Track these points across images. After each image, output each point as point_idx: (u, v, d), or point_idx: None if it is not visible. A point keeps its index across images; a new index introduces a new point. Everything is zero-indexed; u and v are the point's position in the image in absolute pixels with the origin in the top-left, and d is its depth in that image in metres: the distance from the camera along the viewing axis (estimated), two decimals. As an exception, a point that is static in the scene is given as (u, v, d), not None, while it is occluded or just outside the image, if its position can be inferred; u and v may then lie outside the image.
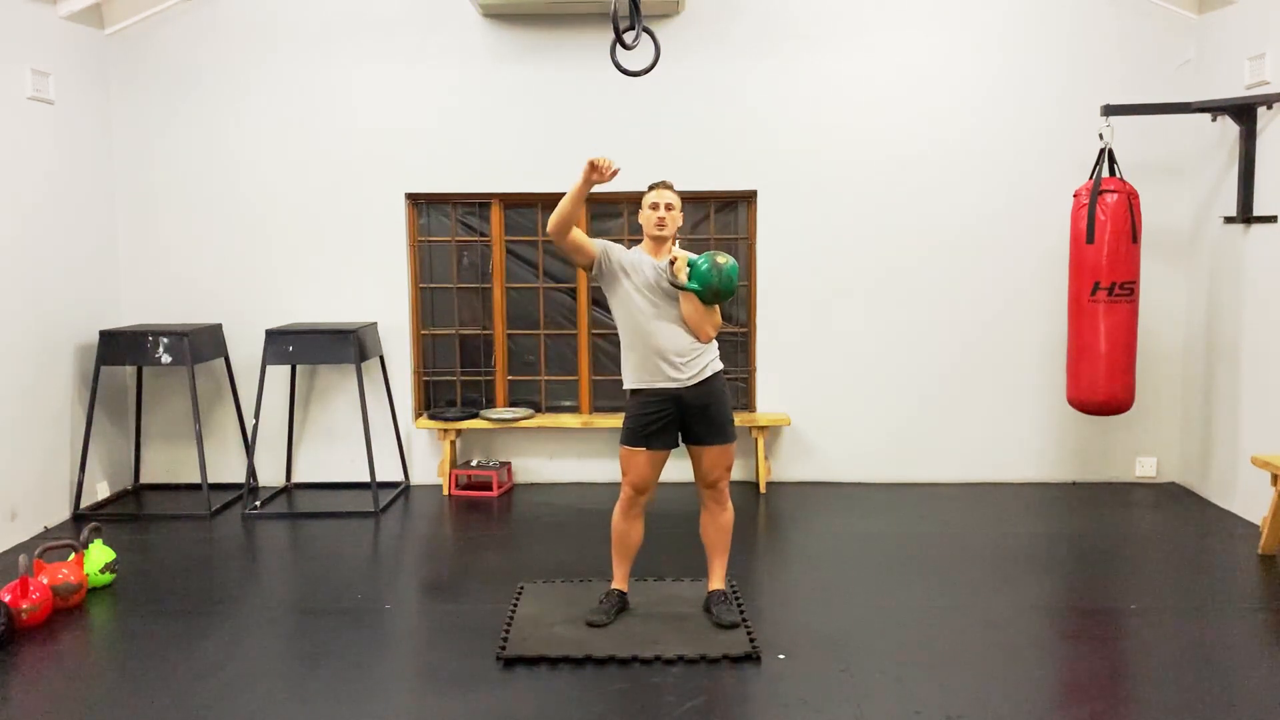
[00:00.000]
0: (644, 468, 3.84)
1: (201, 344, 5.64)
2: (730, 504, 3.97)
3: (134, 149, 5.93)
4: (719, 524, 3.96)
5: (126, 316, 5.99)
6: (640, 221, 3.87)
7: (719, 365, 3.87)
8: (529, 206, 6.09)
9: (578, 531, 5.17)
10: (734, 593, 4.17)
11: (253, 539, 5.19)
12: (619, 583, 4.01)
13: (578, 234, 3.77)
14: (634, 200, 6.00)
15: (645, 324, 3.76)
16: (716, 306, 3.79)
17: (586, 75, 5.78)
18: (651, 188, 3.86)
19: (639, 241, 3.92)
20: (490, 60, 5.86)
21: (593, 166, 3.60)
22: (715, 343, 3.88)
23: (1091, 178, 5.23)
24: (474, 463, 6.03)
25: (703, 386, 3.79)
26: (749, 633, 3.77)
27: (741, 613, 3.94)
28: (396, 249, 6.01)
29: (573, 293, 6.13)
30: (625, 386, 3.89)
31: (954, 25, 5.78)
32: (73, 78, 5.55)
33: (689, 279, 3.67)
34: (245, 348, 5.97)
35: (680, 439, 3.88)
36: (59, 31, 5.45)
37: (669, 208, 3.80)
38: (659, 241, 3.83)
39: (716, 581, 3.99)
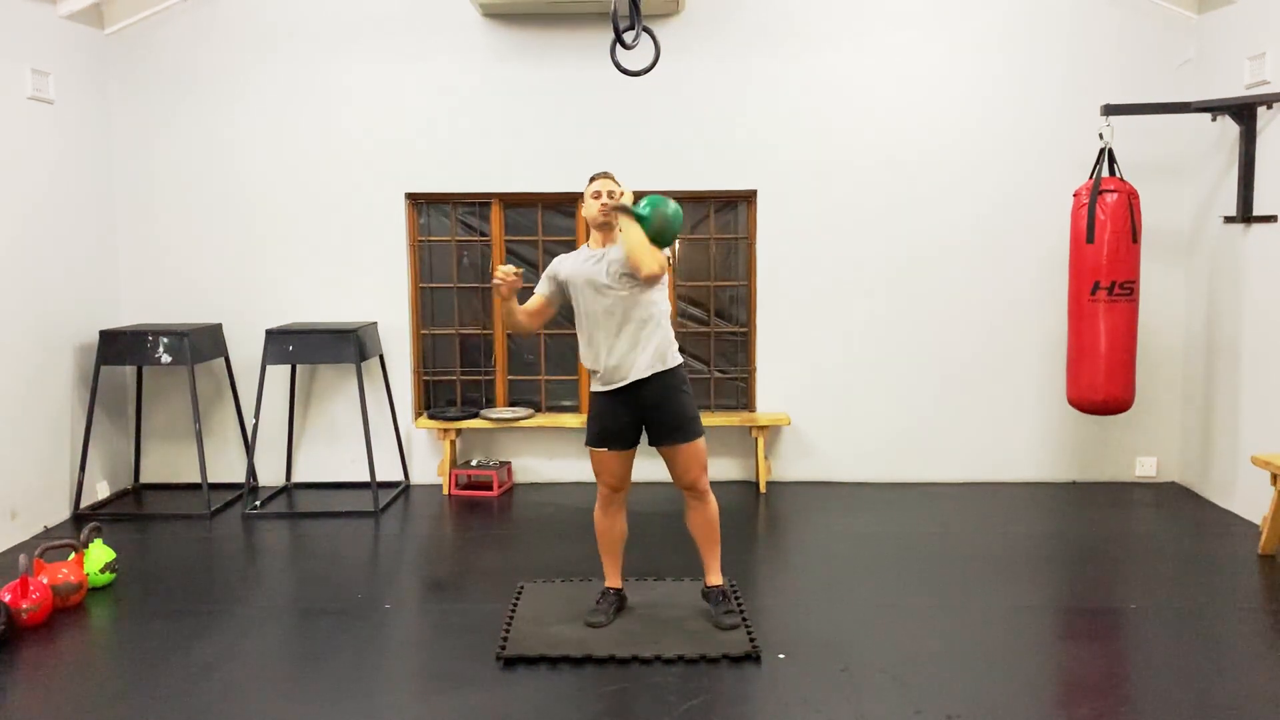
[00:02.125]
0: (612, 465, 3.82)
1: (201, 344, 5.64)
2: (712, 497, 3.87)
3: (134, 149, 5.93)
4: (704, 518, 3.89)
5: (126, 316, 5.99)
6: (585, 216, 3.82)
7: (678, 359, 3.80)
8: (529, 206, 6.09)
9: (578, 531, 5.17)
10: (734, 592, 4.17)
11: (253, 539, 5.19)
12: (612, 580, 4.00)
13: (531, 311, 3.84)
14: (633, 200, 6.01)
15: (592, 317, 3.73)
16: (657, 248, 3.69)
17: (586, 75, 5.78)
18: (592, 179, 3.81)
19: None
20: (490, 60, 5.86)
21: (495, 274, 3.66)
22: (671, 333, 3.79)
23: (1091, 177, 5.23)
24: (474, 462, 6.03)
25: (656, 381, 3.72)
26: (749, 633, 3.76)
27: (741, 612, 3.93)
28: (396, 249, 6.01)
29: (573, 293, 6.12)
30: (591, 387, 3.88)
31: (954, 25, 5.78)
32: (73, 78, 5.55)
33: (636, 204, 3.63)
34: (245, 348, 5.97)
35: (647, 440, 3.84)
36: (59, 31, 5.45)
37: (611, 194, 3.75)
38: (604, 231, 3.77)
39: (713, 576, 3.96)
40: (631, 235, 3.59)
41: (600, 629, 3.81)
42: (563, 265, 3.86)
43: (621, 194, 3.74)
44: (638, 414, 3.77)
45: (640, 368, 3.71)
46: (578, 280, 3.77)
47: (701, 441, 3.81)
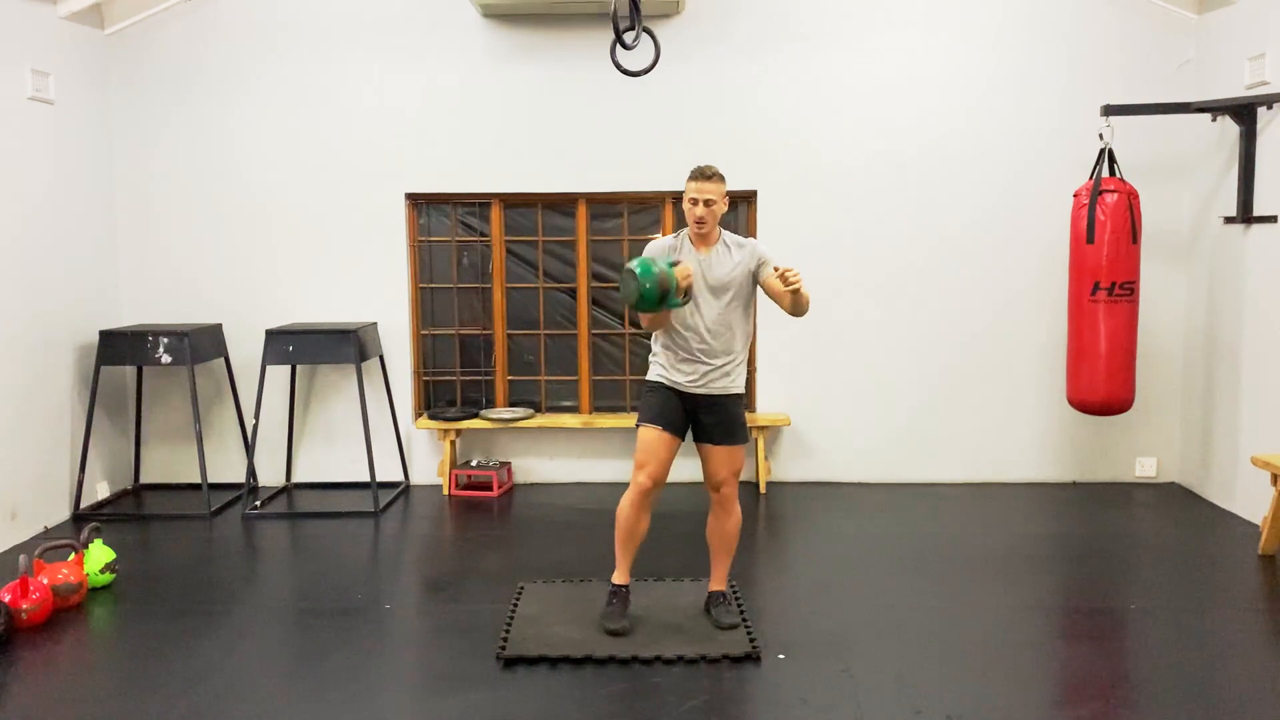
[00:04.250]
0: (661, 451, 3.73)
1: (201, 344, 5.64)
2: (738, 509, 3.90)
3: (134, 149, 5.93)
4: (725, 529, 3.91)
5: (126, 316, 5.99)
6: (684, 208, 3.73)
7: (740, 389, 3.83)
8: (529, 206, 6.09)
9: (578, 531, 5.17)
10: (734, 592, 4.17)
11: (253, 539, 5.19)
12: (622, 576, 3.90)
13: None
14: (633, 200, 6.02)
15: (683, 320, 3.72)
16: (798, 294, 3.65)
17: (586, 75, 5.78)
18: (693, 176, 3.66)
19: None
20: (490, 60, 5.86)
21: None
22: (743, 364, 3.83)
23: (1091, 178, 5.23)
24: (474, 463, 6.03)
25: (718, 399, 3.78)
26: (749, 633, 3.77)
27: (741, 613, 3.93)
28: (396, 249, 6.01)
29: (573, 293, 6.13)
30: (648, 377, 3.87)
31: (954, 25, 5.78)
32: (73, 78, 5.55)
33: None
34: (245, 348, 5.97)
35: (691, 435, 3.85)
36: (59, 31, 5.45)
37: (708, 204, 3.64)
38: (701, 238, 3.73)
39: (717, 583, 3.98)
40: (787, 300, 3.70)
41: (604, 626, 3.79)
42: (661, 253, 3.71)
43: (722, 205, 3.68)
44: (694, 414, 3.80)
45: (718, 387, 3.76)
46: (696, 280, 3.68)
47: (742, 450, 3.85)
